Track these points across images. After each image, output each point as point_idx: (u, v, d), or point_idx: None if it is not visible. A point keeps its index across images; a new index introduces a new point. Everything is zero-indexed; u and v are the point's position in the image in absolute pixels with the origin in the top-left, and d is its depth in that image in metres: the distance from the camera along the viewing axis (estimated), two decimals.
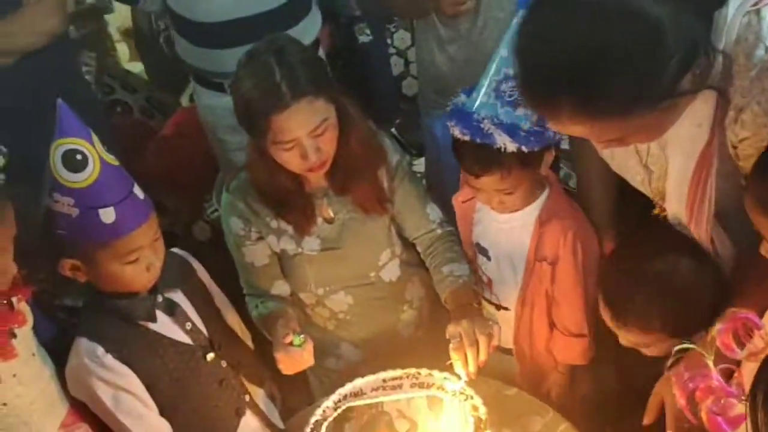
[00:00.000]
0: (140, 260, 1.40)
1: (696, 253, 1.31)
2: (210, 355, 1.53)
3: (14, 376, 1.32)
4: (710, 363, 1.19)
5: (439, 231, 1.73)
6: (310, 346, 1.51)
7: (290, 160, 1.51)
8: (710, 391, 1.16)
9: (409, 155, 2.94)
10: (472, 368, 1.48)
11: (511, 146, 1.44)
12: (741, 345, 1.14)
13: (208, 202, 2.55)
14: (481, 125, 1.45)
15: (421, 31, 2.18)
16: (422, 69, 2.24)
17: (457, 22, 2.04)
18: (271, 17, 2.03)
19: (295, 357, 1.50)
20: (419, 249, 1.76)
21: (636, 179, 1.41)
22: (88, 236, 1.35)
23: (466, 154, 1.52)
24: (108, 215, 1.34)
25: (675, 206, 1.32)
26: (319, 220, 1.66)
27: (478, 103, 1.47)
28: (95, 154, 1.33)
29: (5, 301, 1.31)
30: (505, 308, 1.73)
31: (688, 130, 1.20)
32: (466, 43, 2.06)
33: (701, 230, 1.28)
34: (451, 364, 1.51)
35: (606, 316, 1.36)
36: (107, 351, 1.41)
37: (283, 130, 1.46)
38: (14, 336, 1.31)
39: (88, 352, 1.41)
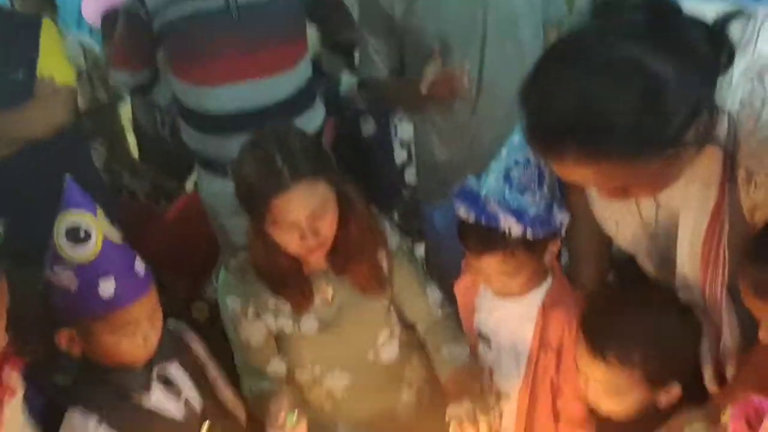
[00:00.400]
0: (137, 333, 1.40)
1: (681, 308, 1.31)
2: (204, 427, 1.51)
3: None
4: None
5: (439, 312, 1.73)
6: (303, 425, 1.49)
7: (289, 241, 1.53)
8: None
9: (411, 240, 2.97)
10: None
11: (516, 229, 1.45)
12: (752, 430, 1.12)
13: (209, 287, 2.56)
14: (488, 207, 1.46)
15: (421, 122, 2.24)
16: (422, 159, 2.29)
17: (455, 115, 2.10)
18: (277, 108, 2.12)
19: None
20: (419, 331, 1.76)
21: (641, 251, 1.41)
22: (85, 309, 1.36)
23: (469, 234, 1.52)
24: (107, 289, 1.35)
25: (688, 269, 1.29)
26: (317, 300, 1.66)
27: (486, 185, 1.48)
28: (98, 229, 1.36)
29: None
30: (505, 398, 1.69)
31: (697, 190, 1.20)
32: (465, 135, 2.12)
33: (715, 294, 1.26)
34: None
35: (585, 350, 1.32)
36: (100, 422, 1.39)
37: (283, 212, 1.49)
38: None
39: (81, 424, 1.39)
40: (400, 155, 3.17)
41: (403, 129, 3.09)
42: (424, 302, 1.73)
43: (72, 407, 1.41)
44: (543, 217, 1.47)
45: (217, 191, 2.16)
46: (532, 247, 1.49)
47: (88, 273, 1.34)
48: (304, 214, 1.49)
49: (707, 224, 1.22)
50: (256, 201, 1.50)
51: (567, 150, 1.06)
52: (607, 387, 1.33)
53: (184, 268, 2.52)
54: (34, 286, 1.51)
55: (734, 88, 1.11)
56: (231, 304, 1.67)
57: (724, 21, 1.05)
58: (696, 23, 1.05)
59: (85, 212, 1.35)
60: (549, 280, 1.61)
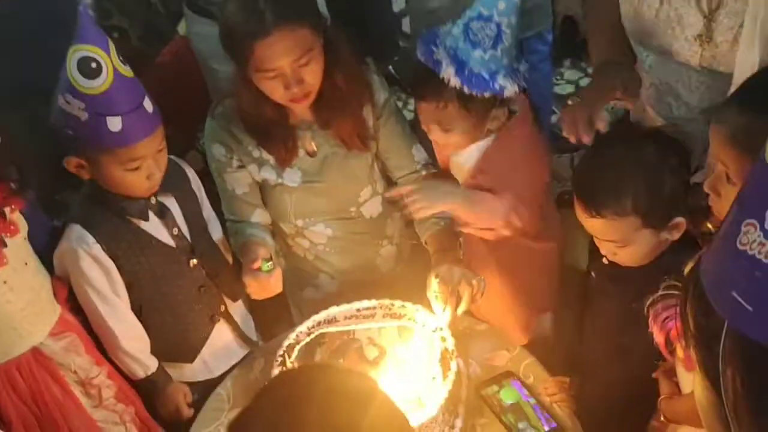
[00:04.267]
0: (141, 169, 1.47)
1: (661, 138, 1.32)
2: (193, 261, 1.62)
3: (5, 282, 1.39)
4: None
5: (423, 172, 1.73)
6: (278, 273, 1.55)
7: (273, 89, 1.51)
8: None
9: (404, 93, 2.93)
10: (449, 316, 1.51)
11: (454, 80, 1.46)
12: None
13: (202, 132, 2.55)
14: (436, 53, 1.48)
15: None
16: (415, 4, 2.22)
17: None
18: None
19: (263, 282, 1.54)
20: None
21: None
22: (94, 140, 1.42)
23: (416, 78, 1.55)
24: (115, 124, 1.40)
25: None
26: (301, 152, 1.67)
27: (446, 30, 1.49)
28: (110, 63, 1.38)
29: None
30: None
31: None
32: None
33: None
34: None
35: (580, 209, 1.33)
36: (97, 241, 1.50)
37: (266, 58, 1.45)
38: (5, 245, 1.37)
39: (79, 239, 1.50)
40: (398, 2, 3.05)
41: None
42: (409, 160, 1.73)
43: (73, 223, 1.51)
44: (483, 77, 1.46)
45: (205, 34, 2.11)
46: (466, 105, 1.50)
47: (98, 105, 1.39)
48: (288, 61, 1.46)
49: None
50: (239, 45, 1.47)
51: None
52: (614, 237, 1.33)
53: (177, 115, 2.50)
54: (32, 124, 1.56)
55: None
56: (216, 151, 1.68)
57: None
58: None
59: (97, 46, 1.37)
60: (491, 138, 1.59)
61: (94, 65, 1.36)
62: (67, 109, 1.40)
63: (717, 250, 0.72)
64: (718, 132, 1.11)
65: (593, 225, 1.33)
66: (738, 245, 0.67)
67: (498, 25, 1.45)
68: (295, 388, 0.80)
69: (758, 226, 0.66)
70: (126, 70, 1.41)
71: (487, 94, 1.48)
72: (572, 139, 1.37)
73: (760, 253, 0.65)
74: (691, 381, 1.13)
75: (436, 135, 1.60)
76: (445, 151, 1.68)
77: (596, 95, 1.41)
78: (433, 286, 1.56)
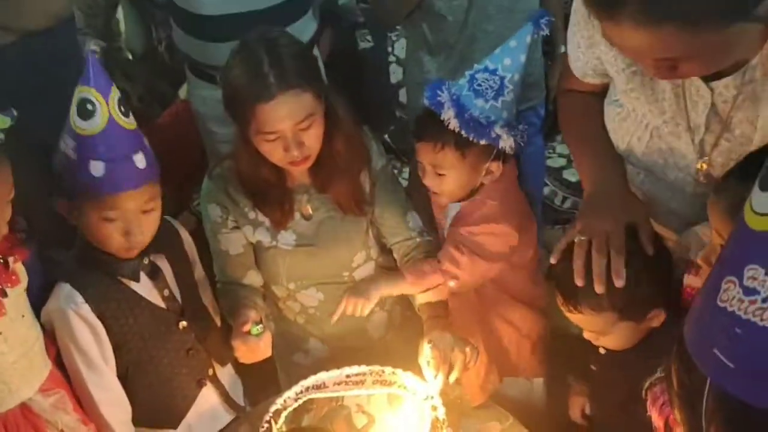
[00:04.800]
0: (117, 223, 1.45)
1: (638, 234, 1.30)
2: (182, 323, 1.60)
3: (0, 333, 1.36)
4: None
5: (417, 239, 1.74)
6: (268, 338, 1.53)
7: (273, 152, 1.53)
8: None
9: (400, 162, 2.97)
10: (440, 383, 1.50)
11: (453, 122, 1.51)
12: None
13: (196, 193, 2.57)
14: (440, 96, 1.54)
15: (412, 40, 2.22)
16: (412, 76, 2.28)
17: (445, 32, 2.08)
18: (267, 15, 2.06)
19: (252, 346, 1.52)
20: (396, 255, 1.77)
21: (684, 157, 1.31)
22: (78, 183, 1.42)
23: (417, 118, 1.62)
24: (98, 168, 1.40)
25: None
26: (297, 215, 1.68)
27: (456, 82, 1.56)
28: (105, 108, 1.39)
29: (1, 260, 1.35)
30: None
31: None
32: (454, 53, 2.10)
33: None
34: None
35: (560, 302, 1.34)
36: (86, 301, 1.48)
37: (268, 121, 1.47)
38: (5, 295, 1.36)
39: (68, 298, 1.48)
40: (396, 74, 3.13)
41: (400, 46, 3.04)
42: (403, 227, 1.74)
43: (63, 281, 1.49)
44: (481, 123, 1.51)
45: (205, 97, 2.15)
46: (462, 150, 1.54)
47: (86, 147, 1.40)
48: (289, 124, 1.48)
49: None
50: (241, 107, 1.49)
51: (626, 9, 0.96)
52: (594, 329, 1.35)
53: (172, 176, 2.52)
54: (37, 173, 1.57)
55: None
56: (212, 212, 1.69)
57: None
58: None
59: (96, 90, 1.39)
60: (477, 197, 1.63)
61: (89, 107, 1.38)
62: (63, 148, 1.43)
63: (699, 308, 0.73)
64: (716, 204, 1.12)
65: (573, 317, 1.35)
66: (718, 302, 0.69)
67: (502, 79, 1.53)
68: None
69: (737, 282, 0.68)
70: (124, 121, 1.42)
71: (483, 142, 1.53)
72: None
73: (739, 309, 0.67)
74: None
75: (429, 179, 1.63)
76: (439, 201, 1.70)
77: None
78: (425, 352, 1.54)
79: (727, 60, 1.06)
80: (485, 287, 1.69)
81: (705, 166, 1.28)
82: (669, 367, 0.75)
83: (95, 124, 1.39)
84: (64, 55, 2.12)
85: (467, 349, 1.53)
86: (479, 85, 1.52)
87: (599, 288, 1.22)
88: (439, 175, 1.60)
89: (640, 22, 0.97)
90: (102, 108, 1.38)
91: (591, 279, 1.22)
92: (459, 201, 1.67)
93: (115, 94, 1.41)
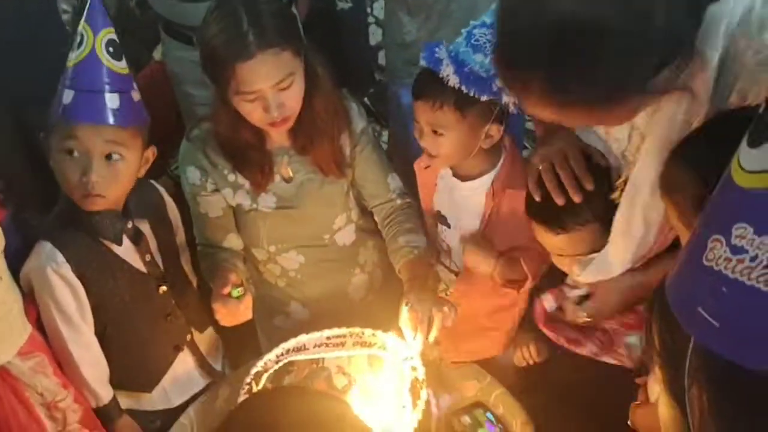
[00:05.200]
0: (75, 158, 1.43)
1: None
2: (162, 288, 1.60)
3: None
4: None
5: (398, 201, 1.74)
6: (248, 300, 1.53)
7: (252, 112, 1.50)
8: None
9: (379, 125, 2.95)
10: (420, 344, 1.50)
11: (453, 79, 1.46)
12: None
13: (173, 157, 2.54)
14: (437, 53, 1.49)
15: (391, 0, 2.19)
16: (391, 37, 2.26)
17: None
18: None
19: (232, 309, 1.51)
20: (377, 218, 1.77)
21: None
22: (52, 112, 1.43)
23: (417, 78, 1.57)
24: (68, 96, 1.41)
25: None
26: (277, 177, 1.66)
27: (454, 42, 1.51)
28: (91, 41, 1.40)
29: None
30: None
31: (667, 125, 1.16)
32: (433, 14, 2.08)
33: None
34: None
35: (544, 230, 1.39)
36: (66, 260, 1.47)
37: (247, 80, 1.45)
38: None
39: (49, 257, 1.47)
40: (375, 35, 3.09)
41: (379, 7, 3.00)
42: (384, 189, 1.74)
43: (44, 240, 1.47)
44: (482, 77, 1.46)
45: (181, 58, 2.11)
46: (463, 104, 1.50)
47: (65, 76, 1.41)
48: (268, 84, 1.45)
49: None
50: (219, 66, 1.46)
51: (533, 86, 1.00)
52: (581, 251, 1.38)
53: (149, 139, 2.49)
54: (12, 132, 1.54)
55: (733, 7, 1.02)
56: (191, 174, 1.67)
57: None
58: None
59: (88, 24, 1.40)
60: (501, 160, 1.63)
61: (78, 38, 1.40)
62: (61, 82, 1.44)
63: (682, 267, 0.72)
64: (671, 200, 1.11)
65: (558, 243, 1.38)
66: (704, 261, 0.68)
67: None
68: (267, 412, 0.79)
69: (724, 242, 0.67)
70: (108, 60, 1.41)
71: (484, 97, 1.48)
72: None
73: (726, 268, 0.66)
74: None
75: (427, 140, 1.58)
76: (434, 164, 1.66)
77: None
78: (404, 313, 1.55)
79: (636, 114, 1.12)
80: None
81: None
82: (649, 325, 0.75)
83: (77, 55, 1.40)
84: (36, 15, 2.08)
85: (445, 308, 1.52)
86: (477, 40, 1.47)
87: (577, 197, 1.33)
88: (438, 135, 1.56)
89: (546, 102, 1.02)
90: (88, 41, 1.39)
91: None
92: (454, 166, 1.65)
93: (106, 34, 1.41)
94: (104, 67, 1.42)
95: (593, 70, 0.96)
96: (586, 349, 1.47)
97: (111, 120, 1.42)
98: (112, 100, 1.43)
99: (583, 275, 1.40)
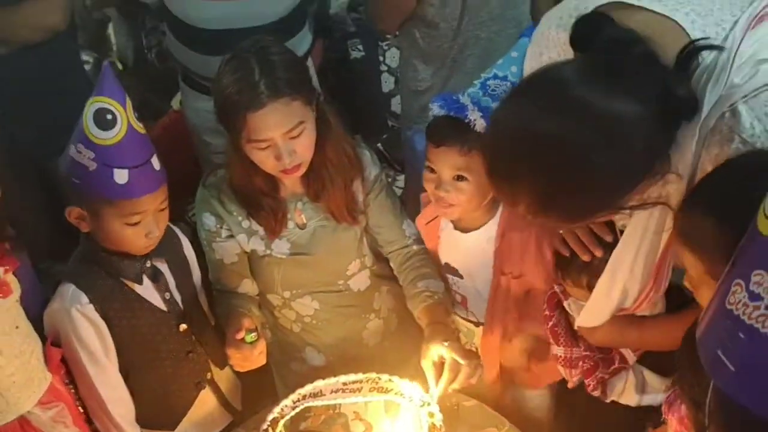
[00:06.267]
0: (141, 225, 1.48)
1: None
2: (183, 326, 1.61)
3: None
4: None
5: (414, 247, 1.74)
6: (262, 345, 1.53)
7: (265, 160, 1.53)
8: None
9: (393, 171, 2.98)
10: (441, 390, 1.49)
11: (480, 123, 1.49)
12: None
13: (191, 204, 2.57)
14: (460, 99, 1.52)
15: (406, 48, 2.24)
16: (405, 84, 2.30)
17: (438, 39, 2.10)
18: (266, 31, 2.07)
19: (245, 354, 1.52)
20: (393, 264, 1.78)
21: None
22: (99, 191, 1.44)
23: (436, 125, 1.57)
24: (122, 176, 1.43)
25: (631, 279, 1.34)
26: (291, 224, 1.68)
27: (466, 90, 1.55)
28: (125, 117, 1.42)
29: None
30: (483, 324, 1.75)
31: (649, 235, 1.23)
32: (447, 61, 2.12)
33: (660, 291, 1.34)
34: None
35: (574, 284, 1.49)
36: (90, 301, 1.49)
37: (258, 129, 1.48)
38: None
39: (73, 298, 1.49)
40: (387, 83, 3.14)
41: (391, 56, 3.05)
42: (399, 234, 1.74)
43: (67, 282, 1.50)
44: None
45: (199, 108, 2.15)
46: None
47: (108, 157, 1.42)
48: (280, 132, 1.48)
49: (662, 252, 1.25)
50: (232, 115, 1.49)
51: (520, 202, 1.08)
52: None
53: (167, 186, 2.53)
54: (32, 182, 1.56)
55: (703, 125, 1.07)
56: (206, 220, 1.69)
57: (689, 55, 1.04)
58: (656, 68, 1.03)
59: (114, 100, 1.42)
60: (497, 213, 1.65)
61: (109, 117, 1.41)
62: (77, 158, 1.43)
63: (711, 307, 0.73)
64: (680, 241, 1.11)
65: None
66: (726, 304, 0.68)
67: (513, 84, 1.51)
68: None
69: (744, 286, 0.67)
70: (139, 126, 1.45)
71: None
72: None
73: (744, 313, 0.66)
74: None
75: (445, 189, 1.57)
76: (449, 215, 1.67)
77: None
78: (433, 353, 1.53)
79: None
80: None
81: None
82: (681, 365, 0.75)
83: (116, 133, 1.41)
84: (62, 67, 2.15)
85: (474, 362, 1.50)
86: (493, 90, 1.52)
87: (598, 252, 1.42)
88: (459, 182, 1.56)
89: (532, 215, 1.09)
90: (122, 117, 1.41)
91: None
92: (458, 219, 1.68)
93: (128, 101, 1.44)
94: (143, 137, 1.46)
95: (574, 189, 1.03)
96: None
97: (162, 181, 1.49)
98: (156, 163, 1.48)
99: (577, 319, 1.46)
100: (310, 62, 2.24)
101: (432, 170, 1.59)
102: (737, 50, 1.06)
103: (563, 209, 1.06)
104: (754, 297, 0.66)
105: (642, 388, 1.52)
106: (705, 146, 1.08)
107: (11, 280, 1.39)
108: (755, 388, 0.65)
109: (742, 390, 0.66)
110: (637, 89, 1.00)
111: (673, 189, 1.12)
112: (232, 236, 1.69)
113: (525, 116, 1.04)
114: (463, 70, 2.08)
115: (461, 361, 1.48)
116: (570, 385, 1.59)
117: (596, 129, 0.99)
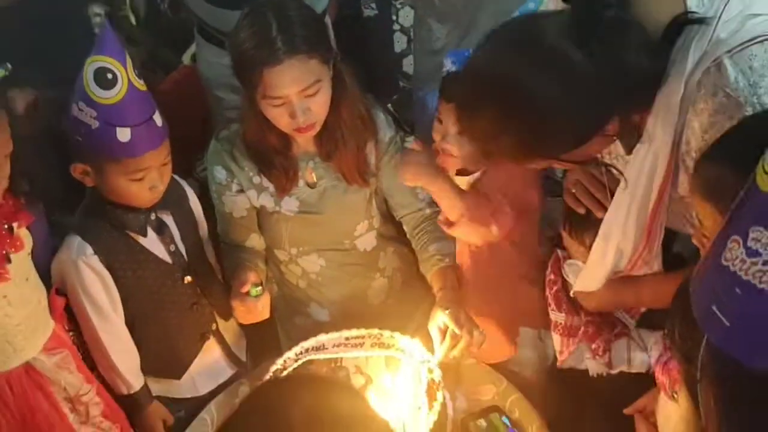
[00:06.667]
0: (145, 180, 1.50)
1: None
2: (187, 278, 1.65)
3: (4, 297, 1.40)
4: None
5: (427, 210, 1.74)
6: (266, 299, 1.56)
7: (279, 117, 1.53)
8: None
9: (403, 132, 2.96)
10: (442, 354, 1.52)
11: None
12: None
13: (200, 159, 2.58)
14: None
15: (421, 6, 2.22)
16: (419, 43, 2.28)
17: None
18: None
19: (250, 307, 1.55)
20: (406, 228, 1.78)
21: None
22: (102, 149, 1.46)
23: (448, 82, 1.57)
24: (125, 134, 1.44)
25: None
26: (301, 182, 1.69)
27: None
28: (125, 75, 1.43)
29: (6, 226, 1.38)
30: None
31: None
32: (461, 22, 2.11)
33: (653, 250, 1.34)
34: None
35: (570, 239, 1.51)
36: (95, 252, 1.53)
37: (274, 85, 1.47)
38: (9, 261, 1.39)
39: (79, 250, 1.53)
40: (399, 42, 3.11)
41: (404, 15, 3.01)
42: (413, 198, 1.74)
43: (73, 234, 1.53)
44: None
45: (213, 62, 2.14)
46: None
47: (110, 115, 1.43)
48: (295, 89, 1.48)
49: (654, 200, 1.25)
50: (248, 70, 1.49)
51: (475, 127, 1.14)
52: None
53: (176, 141, 2.53)
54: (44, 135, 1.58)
55: (690, 72, 1.08)
56: (217, 174, 1.70)
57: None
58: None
59: (115, 59, 1.42)
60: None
61: (110, 76, 1.41)
62: (80, 116, 1.44)
63: (705, 263, 0.74)
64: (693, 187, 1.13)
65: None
66: (722, 261, 0.69)
67: None
68: (282, 395, 0.81)
69: (741, 242, 0.68)
70: (140, 84, 1.46)
71: None
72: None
73: (740, 270, 0.67)
74: (669, 414, 1.14)
75: (451, 140, 1.56)
76: (450, 165, 1.64)
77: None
78: (438, 319, 1.55)
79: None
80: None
81: None
82: (672, 320, 0.76)
83: (116, 92, 1.42)
84: (66, 17, 2.14)
85: (475, 333, 1.53)
86: None
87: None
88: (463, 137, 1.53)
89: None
90: (122, 76, 1.42)
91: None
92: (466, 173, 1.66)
93: (128, 59, 1.44)
94: (144, 94, 1.47)
95: (524, 129, 1.08)
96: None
97: (164, 137, 1.51)
98: (158, 120, 1.49)
99: (574, 284, 1.48)
100: (327, 21, 2.23)
101: (441, 121, 1.59)
102: (725, 6, 1.07)
103: (509, 145, 1.11)
104: (752, 253, 0.66)
105: (646, 348, 1.54)
106: (692, 102, 1.09)
107: (24, 234, 1.43)
108: (748, 341, 0.66)
109: (735, 344, 0.67)
110: (601, 54, 1.03)
111: (659, 125, 1.14)
112: (242, 191, 1.70)
113: (495, 58, 1.12)
114: (477, 31, 2.06)
115: (457, 331, 1.51)
116: (560, 360, 1.58)
117: (556, 79, 1.05)
